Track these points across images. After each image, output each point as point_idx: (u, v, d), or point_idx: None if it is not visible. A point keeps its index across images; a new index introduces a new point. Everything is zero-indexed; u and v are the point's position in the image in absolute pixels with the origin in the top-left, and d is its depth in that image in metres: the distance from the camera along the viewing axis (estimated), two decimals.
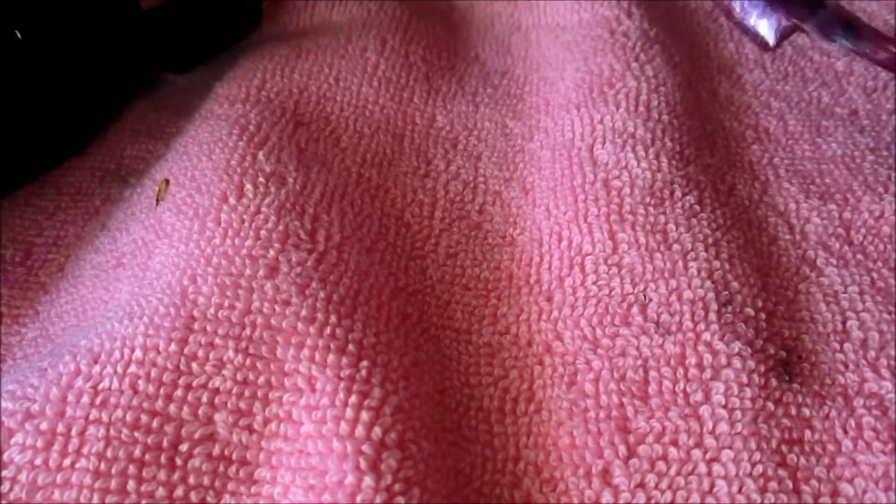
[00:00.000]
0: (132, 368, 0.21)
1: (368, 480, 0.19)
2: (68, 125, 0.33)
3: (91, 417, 0.20)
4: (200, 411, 0.20)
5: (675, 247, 0.25)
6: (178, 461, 0.20)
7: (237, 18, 0.36)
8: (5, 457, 0.20)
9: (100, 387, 0.21)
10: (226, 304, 0.22)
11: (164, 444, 0.20)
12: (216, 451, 0.20)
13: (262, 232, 0.24)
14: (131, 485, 0.19)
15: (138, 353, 0.21)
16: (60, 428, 0.20)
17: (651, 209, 0.26)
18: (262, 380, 0.21)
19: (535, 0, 0.38)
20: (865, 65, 0.33)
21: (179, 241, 0.25)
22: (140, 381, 0.21)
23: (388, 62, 0.34)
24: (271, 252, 0.23)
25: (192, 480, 0.20)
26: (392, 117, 0.32)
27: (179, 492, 0.19)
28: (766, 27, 0.27)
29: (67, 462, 0.19)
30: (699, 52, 0.36)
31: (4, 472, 0.19)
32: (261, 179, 0.26)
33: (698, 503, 0.20)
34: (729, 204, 0.28)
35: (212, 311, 0.22)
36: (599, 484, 0.21)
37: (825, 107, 0.32)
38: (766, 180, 0.29)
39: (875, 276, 0.25)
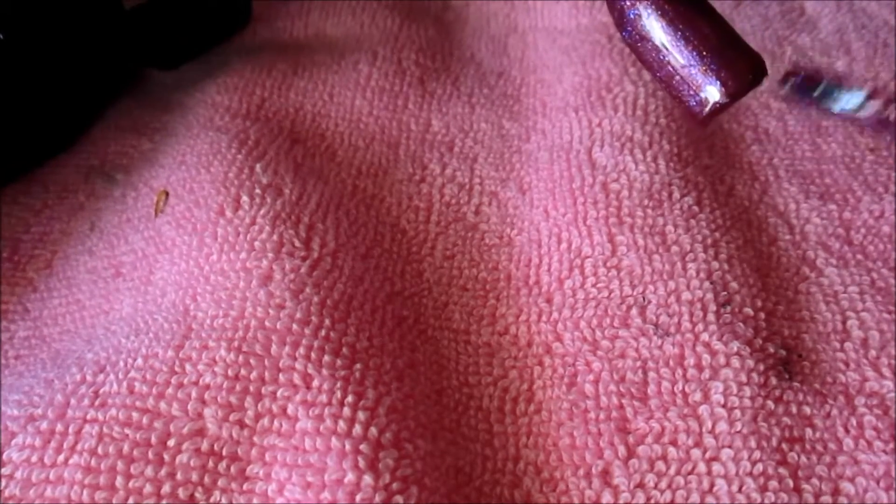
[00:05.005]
0: (132, 374, 0.21)
1: (367, 479, 0.19)
2: (53, 123, 0.33)
3: (89, 417, 0.20)
4: (190, 407, 0.20)
5: (674, 248, 0.25)
6: (166, 457, 0.19)
7: (224, 16, 0.36)
8: (4, 456, 0.20)
9: (101, 391, 0.21)
10: (220, 313, 0.22)
11: (153, 440, 0.20)
12: (205, 446, 0.20)
13: (256, 243, 0.24)
14: (119, 481, 0.19)
15: (139, 361, 0.21)
16: (59, 427, 0.20)
17: (649, 211, 0.26)
18: (254, 375, 0.21)
19: (533, 1, 0.38)
20: (866, 65, 0.33)
21: (180, 257, 0.25)
22: (136, 383, 0.21)
23: (381, 71, 0.34)
24: (265, 262, 0.23)
25: (179, 476, 0.19)
26: (387, 127, 0.32)
27: (167, 488, 0.19)
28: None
29: (61, 459, 0.19)
30: None
31: (3, 470, 0.19)
32: (257, 191, 0.26)
33: (698, 503, 0.20)
34: (728, 205, 0.27)
35: (208, 321, 0.22)
36: (599, 484, 0.21)
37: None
38: (766, 181, 0.29)
39: (875, 275, 0.25)
